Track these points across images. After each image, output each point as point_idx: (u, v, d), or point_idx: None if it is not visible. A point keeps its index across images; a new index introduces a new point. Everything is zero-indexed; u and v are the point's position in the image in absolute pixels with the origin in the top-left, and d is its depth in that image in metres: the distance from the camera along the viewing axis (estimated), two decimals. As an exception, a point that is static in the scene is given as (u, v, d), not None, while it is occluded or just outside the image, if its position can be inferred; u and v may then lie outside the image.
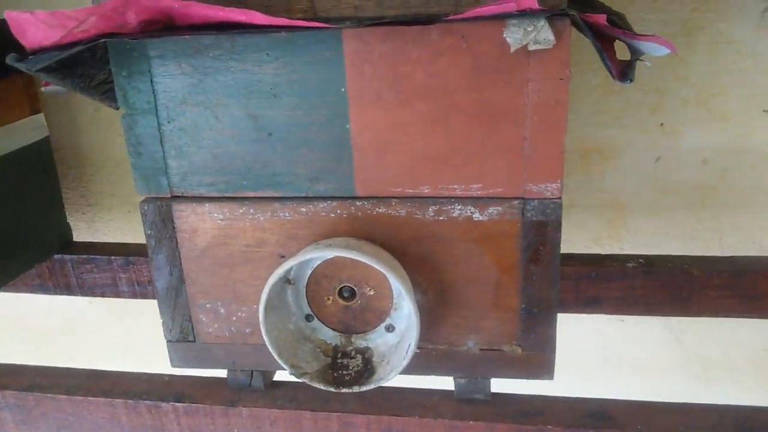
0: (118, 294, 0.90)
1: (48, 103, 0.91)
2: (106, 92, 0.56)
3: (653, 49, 0.49)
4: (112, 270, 0.89)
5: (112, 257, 0.88)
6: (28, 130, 0.83)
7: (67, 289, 0.91)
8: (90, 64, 0.52)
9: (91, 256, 0.88)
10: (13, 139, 0.81)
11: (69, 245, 0.91)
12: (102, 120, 0.95)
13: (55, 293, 0.92)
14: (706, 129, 0.81)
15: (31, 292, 0.92)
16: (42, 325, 1.12)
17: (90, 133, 0.96)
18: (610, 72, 0.48)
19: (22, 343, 1.14)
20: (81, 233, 1.01)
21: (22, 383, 0.67)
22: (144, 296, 0.89)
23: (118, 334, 1.09)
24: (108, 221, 1.02)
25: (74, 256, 0.88)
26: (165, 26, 0.47)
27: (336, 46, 0.49)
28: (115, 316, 1.08)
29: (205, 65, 0.51)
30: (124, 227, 1.02)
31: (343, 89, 0.50)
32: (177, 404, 0.63)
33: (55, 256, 0.88)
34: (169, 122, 0.53)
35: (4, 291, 0.86)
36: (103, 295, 0.91)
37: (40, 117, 0.86)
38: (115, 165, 0.97)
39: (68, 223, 0.92)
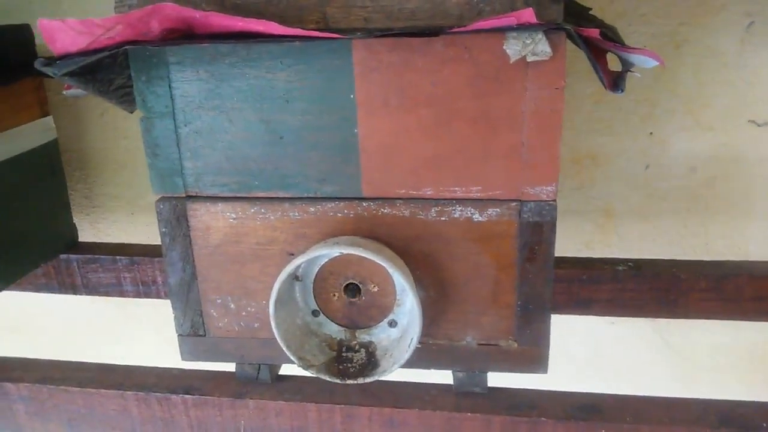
0: (122, 293, 0.92)
1: (56, 107, 0.93)
2: (124, 96, 0.58)
3: (642, 61, 0.52)
4: (116, 270, 0.90)
5: (117, 257, 0.89)
6: (37, 133, 0.85)
7: (73, 289, 0.93)
8: (110, 69, 0.55)
9: (97, 256, 0.90)
10: (23, 141, 0.82)
11: (75, 245, 0.93)
12: (108, 124, 0.97)
13: (61, 292, 0.93)
14: (693, 138, 0.84)
15: (36, 291, 0.93)
16: (44, 324, 1.14)
17: (96, 137, 0.98)
18: (603, 82, 0.51)
19: (26, 340, 1.16)
20: (85, 234, 1.03)
21: (35, 376, 0.69)
22: (148, 296, 0.91)
23: (121, 333, 1.11)
24: (111, 222, 1.04)
25: (80, 256, 0.90)
26: (185, 35, 0.50)
27: (346, 55, 0.52)
28: (118, 316, 1.10)
29: (221, 72, 0.53)
30: (127, 229, 1.04)
31: (352, 96, 0.53)
32: (186, 396, 0.65)
33: (61, 256, 0.90)
34: (185, 125, 0.56)
35: (11, 289, 0.88)
36: (107, 295, 0.93)
37: (49, 120, 0.87)
38: (120, 168, 0.99)
39: (74, 223, 0.94)
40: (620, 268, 0.81)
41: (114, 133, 0.97)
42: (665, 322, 0.95)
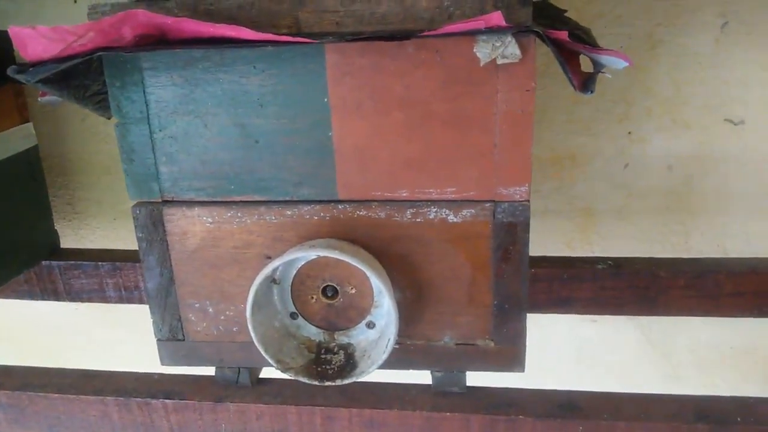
0: (104, 299, 0.92)
1: (36, 113, 0.93)
2: (99, 102, 0.58)
3: (613, 62, 0.52)
4: (98, 275, 0.90)
5: (99, 263, 0.89)
6: (17, 139, 0.85)
7: (55, 295, 0.92)
8: (85, 76, 0.55)
9: (79, 262, 0.90)
10: (3, 147, 0.82)
11: (56, 251, 0.93)
12: (88, 129, 0.96)
13: (43, 299, 0.93)
14: (670, 137, 0.85)
15: (18, 298, 0.93)
16: (27, 330, 1.13)
17: (77, 143, 0.98)
18: (572, 83, 0.52)
19: (7, 347, 1.15)
20: (67, 240, 1.03)
21: (15, 383, 0.68)
22: (130, 301, 0.91)
23: (103, 338, 1.11)
24: (94, 228, 1.04)
25: (62, 262, 0.90)
26: (158, 40, 0.50)
27: (319, 59, 0.52)
28: (101, 321, 1.10)
29: (195, 77, 0.54)
30: (110, 234, 1.04)
31: (325, 99, 0.53)
32: (166, 401, 0.65)
33: (43, 263, 0.89)
34: (160, 131, 0.56)
35: (-7, 297, 0.88)
36: (90, 301, 0.92)
37: (29, 126, 0.87)
38: (102, 173, 0.99)
39: (56, 229, 0.93)
40: (600, 266, 0.81)
41: (95, 138, 0.97)
42: (647, 320, 0.95)
